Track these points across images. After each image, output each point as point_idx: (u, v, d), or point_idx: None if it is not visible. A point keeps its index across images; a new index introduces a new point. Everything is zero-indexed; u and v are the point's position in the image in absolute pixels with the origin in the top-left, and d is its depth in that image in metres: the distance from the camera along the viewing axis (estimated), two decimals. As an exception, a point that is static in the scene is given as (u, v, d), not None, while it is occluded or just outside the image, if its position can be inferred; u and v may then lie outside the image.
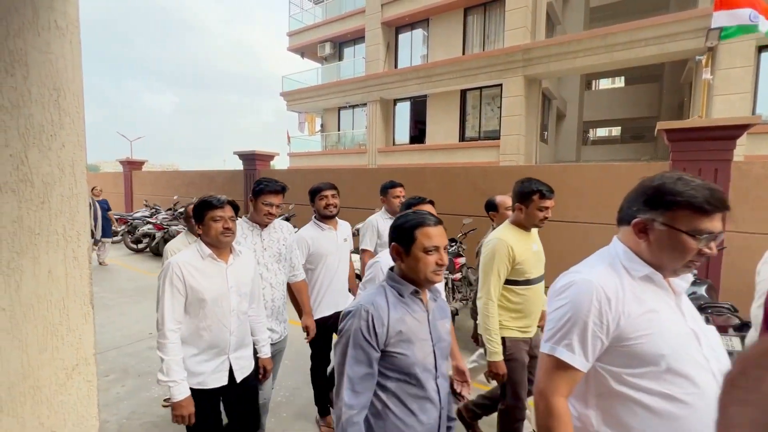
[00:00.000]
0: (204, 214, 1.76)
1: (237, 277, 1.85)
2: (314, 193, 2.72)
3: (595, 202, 5.08)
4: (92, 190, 7.75)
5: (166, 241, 8.10)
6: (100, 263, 7.86)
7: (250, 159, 9.14)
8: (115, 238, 9.00)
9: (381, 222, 3.15)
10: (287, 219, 7.28)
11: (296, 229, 7.76)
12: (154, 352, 3.85)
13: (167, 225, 8.15)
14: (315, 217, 2.77)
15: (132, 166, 12.42)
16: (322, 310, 2.65)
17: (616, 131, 24.93)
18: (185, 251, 1.83)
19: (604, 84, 23.54)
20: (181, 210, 9.25)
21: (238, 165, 9.50)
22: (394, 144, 15.21)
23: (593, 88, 22.94)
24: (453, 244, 5.29)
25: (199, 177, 10.62)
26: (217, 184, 9.95)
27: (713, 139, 4.33)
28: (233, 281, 1.82)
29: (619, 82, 22.99)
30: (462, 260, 5.10)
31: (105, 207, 8.03)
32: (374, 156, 14.90)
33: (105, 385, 3.26)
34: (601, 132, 26.16)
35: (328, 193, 2.69)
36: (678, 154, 4.54)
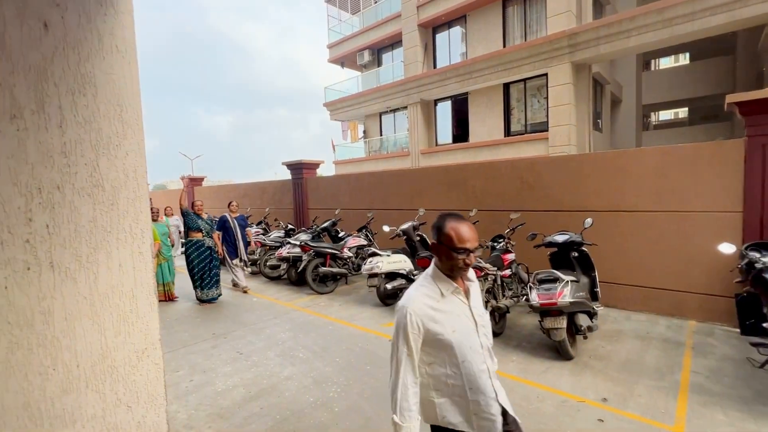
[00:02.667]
0: None
1: None
2: None
3: (658, 189, 4.68)
4: (229, 205, 6.80)
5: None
6: (240, 288, 6.57)
7: (297, 168, 9.56)
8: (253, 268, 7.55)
9: None
10: (334, 224, 7.50)
11: (343, 233, 7.83)
12: (218, 351, 4.17)
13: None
14: None
15: (194, 182, 13.53)
16: None
17: (683, 113, 22.71)
18: None
19: (665, 63, 21.57)
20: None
21: (287, 175, 9.98)
22: (436, 144, 15.10)
23: (653, 68, 21.12)
24: (500, 240, 5.13)
25: (252, 188, 11.30)
26: (268, 194, 10.52)
27: (798, 109, 3.82)
28: None
29: (684, 59, 20.94)
30: (511, 256, 4.93)
31: (243, 224, 6.87)
32: (417, 158, 14.88)
33: (175, 379, 3.57)
34: (665, 115, 23.96)
35: None
36: (754, 129, 4.06)
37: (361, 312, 5.32)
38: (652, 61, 21.13)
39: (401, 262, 5.65)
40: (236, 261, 6.64)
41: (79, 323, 1.26)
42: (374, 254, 5.60)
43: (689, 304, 4.55)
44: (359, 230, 7.31)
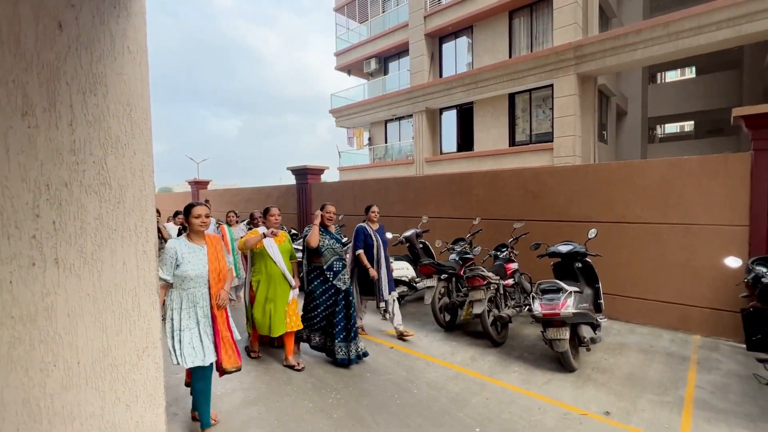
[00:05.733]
0: None
1: None
2: None
3: (664, 201, 4.66)
4: (367, 212, 4.60)
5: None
6: (403, 336, 4.38)
7: (302, 174, 9.61)
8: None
9: None
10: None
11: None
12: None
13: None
14: None
15: (199, 185, 13.62)
16: None
17: (689, 126, 22.67)
18: None
19: (671, 76, 21.61)
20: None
21: (292, 180, 10.03)
22: (441, 153, 15.14)
23: (659, 81, 21.15)
24: (503, 249, 5.11)
25: (256, 193, 11.35)
26: (272, 198, 10.56)
27: (805, 123, 3.81)
28: None
29: (690, 73, 20.98)
30: (514, 266, 4.90)
31: (384, 240, 4.56)
32: (421, 166, 14.91)
33: (174, 381, 3.55)
34: (671, 128, 23.93)
35: None
36: (761, 143, 4.05)
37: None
38: (659, 74, 21.18)
39: (404, 269, 5.64)
40: (371, 297, 4.48)
41: (81, 320, 1.27)
42: (376, 260, 5.57)
43: (694, 318, 4.49)
44: (362, 236, 7.29)
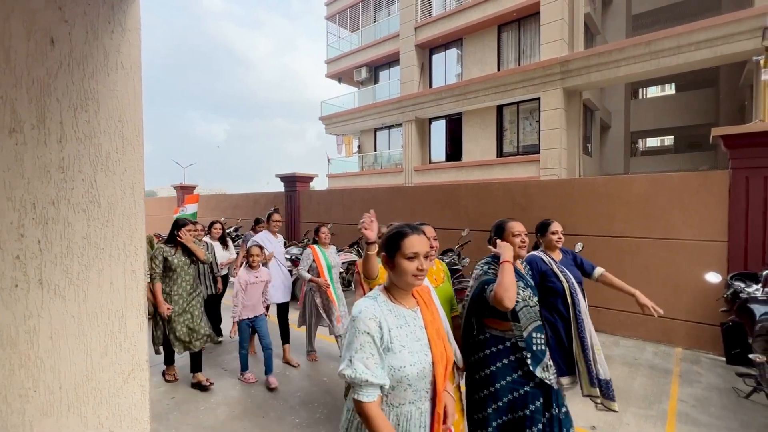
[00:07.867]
0: None
1: None
2: None
3: (646, 216, 4.78)
4: (546, 232, 2.73)
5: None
6: None
7: (290, 181, 9.55)
8: None
9: None
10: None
11: (335, 248, 7.61)
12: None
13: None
14: None
15: (184, 191, 13.37)
16: None
17: (669, 141, 23.42)
18: None
19: (653, 92, 22.34)
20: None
21: (280, 186, 9.95)
22: (430, 162, 15.26)
23: (640, 97, 21.83)
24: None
25: (243, 199, 11.22)
26: (260, 205, 10.45)
27: (779, 144, 3.97)
28: None
29: (670, 89, 21.72)
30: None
31: (580, 279, 2.79)
32: (410, 175, 14.99)
33: (157, 396, 3.45)
34: (652, 142, 24.68)
35: None
36: (738, 162, 4.20)
37: (350, 329, 5.25)
38: (640, 89, 21.87)
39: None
40: (567, 380, 2.48)
41: (64, 343, 1.22)
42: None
43: (676, 331, 4.59)
44: (351, 246, 7.27)
